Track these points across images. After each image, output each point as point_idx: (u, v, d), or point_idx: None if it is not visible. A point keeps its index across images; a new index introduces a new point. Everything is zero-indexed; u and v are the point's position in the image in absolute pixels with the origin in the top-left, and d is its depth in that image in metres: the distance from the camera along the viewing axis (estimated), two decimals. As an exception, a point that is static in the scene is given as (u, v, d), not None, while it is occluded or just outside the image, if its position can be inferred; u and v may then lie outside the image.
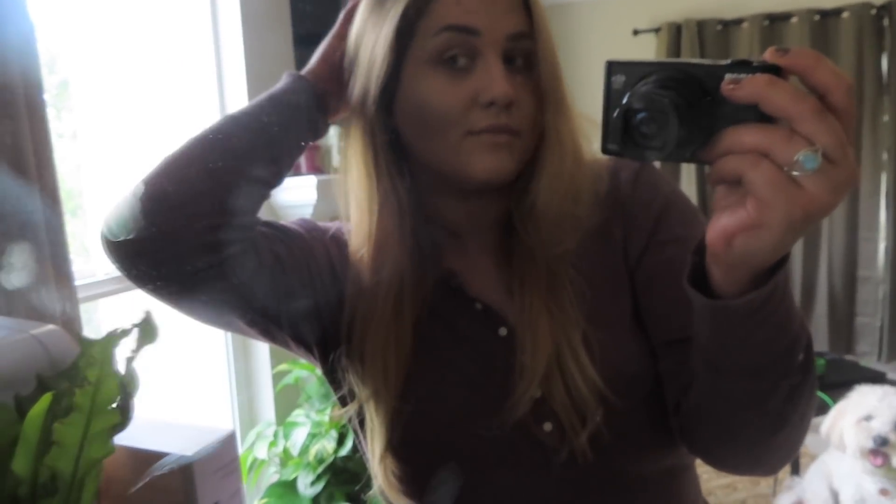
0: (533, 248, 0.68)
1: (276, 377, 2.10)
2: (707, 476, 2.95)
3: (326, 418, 1.92)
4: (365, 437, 0.73)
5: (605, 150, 0.49)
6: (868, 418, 1.56)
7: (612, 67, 0.49)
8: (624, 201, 0.71)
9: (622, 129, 0.47)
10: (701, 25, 4.05)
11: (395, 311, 0.68)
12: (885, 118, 3.76)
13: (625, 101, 0.47)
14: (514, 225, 0.70)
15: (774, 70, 0.44)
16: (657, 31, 4.12)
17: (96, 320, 1.81)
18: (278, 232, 0.71)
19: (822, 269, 3.93)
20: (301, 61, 2.39)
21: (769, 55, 0.44)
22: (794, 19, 3.86)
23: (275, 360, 2.16)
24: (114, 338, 0.56)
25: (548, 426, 0.66)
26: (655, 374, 0.68)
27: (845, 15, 3.77)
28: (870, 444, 1.54)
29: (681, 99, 0.45)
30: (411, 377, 0.68)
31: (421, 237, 0.70)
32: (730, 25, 4.02)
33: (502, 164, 0.65)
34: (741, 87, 0.43)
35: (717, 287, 0.50)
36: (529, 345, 0.66)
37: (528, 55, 0.66)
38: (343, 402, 0.76)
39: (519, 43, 0.65)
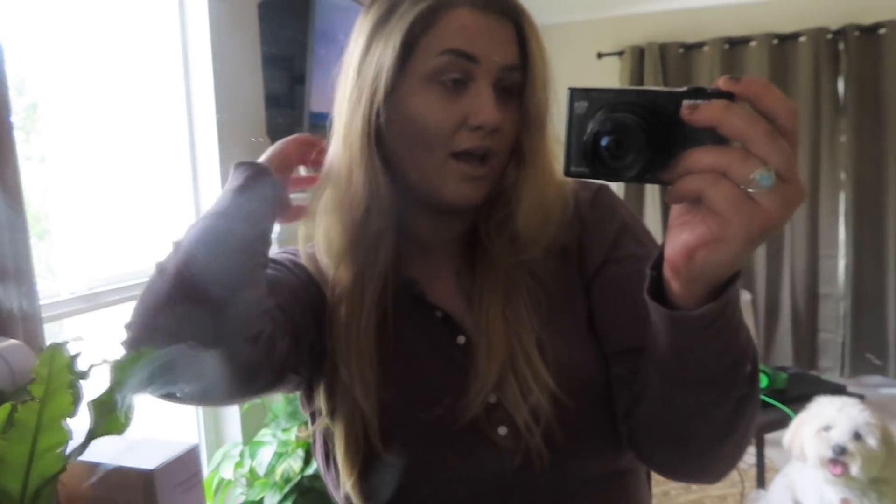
0: (495, 259, 0.72)
1: (244, 397, 2.09)
2: (675, 493, 2.97)
3: (293, 437, 1.91)
4: (332, 446, 0.73)
5: (567, 173, 0.51)
6: (827, 428, 1.60)
7: (575, 94, 0.51)
8: (582, 219, 0.76)
9: (591, 152, 0.49)
10: (663, 49, 4.15)
11: (364, 316, 0.70)
12: (843, 139, 3.88)
13: (591, 125, 0.49)
14: (479, 238, 0.73)
15: (728, 96, 0.46)
16: (621, 54, 4.22)
17: (61, 340, 1.78)
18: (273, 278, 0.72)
19: (785, 287, 4.01)
20: (270, 82, 2.41)
21: (723, 83, 0.46)
22: (754, 43, 3.97)
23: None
24: (58, 352, 0.54)
25: (503, 430, 0.68)
26: (606, 379, 0.71)
27: (802, 39, 3.89)
28: (829, 454, 1.57)
29: (644, 123, 0.48)
30: (378, 381, 0.70)
31: (389, 245, 0.73)
32: (691, 49, 4.13)
33: (474, 194, 0.69)
34: (699, 112, 0.46)
35: (675, 299, 0.52)
36: (485, 351, 0.68)
37: (515, 85, 0.70)
38: (314, 418, 0.76)
39: (509, 74, 0.69)
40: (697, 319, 0.52)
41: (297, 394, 0.80)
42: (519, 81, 0.70)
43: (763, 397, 2.13)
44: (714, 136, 0.47)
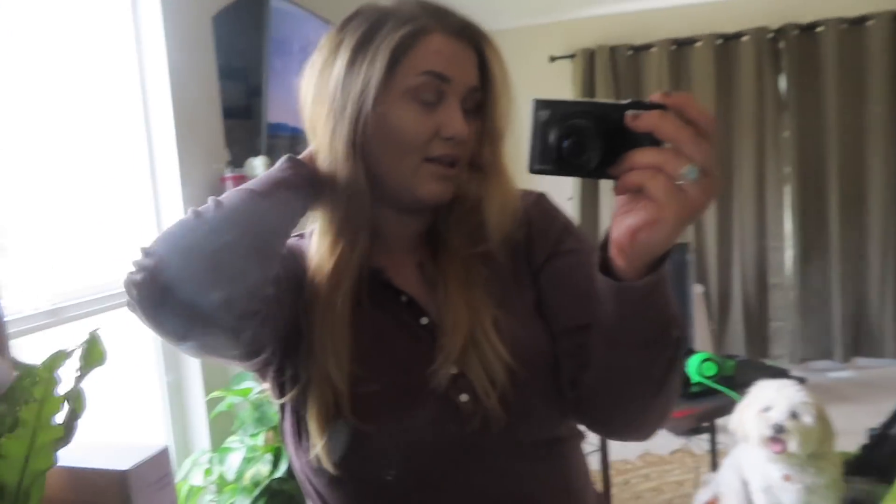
0: (455, 251, 0.84)
1: (210, 404, 2.12)
2: (636, 480, 3.08)
3: (261, 442, 1.95)
4: (302, 418, 0.81)
5: (532, 170, 0.62)
6: (767, 409, 1.69)
7: (538, 104, 0.61)
8: (529, 220, 0.88)
9: (554, 153, 0.60)
10: (613, 51, 4.27)
11: (340, 301, 0.79)
12: (786, 134, 4.04)
13: (553, 130, 0.60)
14: (438, 233, 0.85)
15: (661, 107, 0.57)
16: (572, 57, 4.33)
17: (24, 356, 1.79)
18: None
19: (735, 279, 4.16)
20: (227, 94, 2.44)
21: (657, 97, 0.58)
22: (699, 44, 4.12)
23: (208, 388, 2.18)
24: (58, 358, 0.60)
25: (464, 397, 0.77)
26: (553, 354, 0.82)
27: (745, 39, 4.05)
28: (769, 433, 1.66)
29: (596, 128, 0.59)
30: (350, 357, 0.79)
31: (365, 240, 0.83)
32: (640, 51, 4.25)
33: (444, 192, 0.81)
34: (640, 120, 0.57)
35: (621, 274, 0.64)
36: (448, 330, 0.79)
37: (477, 102, 0.81)
38: (283, 388, 0.83)
39: (473, 94, 0.81)
40: (640, 289, 0.64)
41: (265, 388, 0.86)
42: (480, 100, 0.82)
43: (712, 384, 2.23)
44: (651, 140, 0.58)
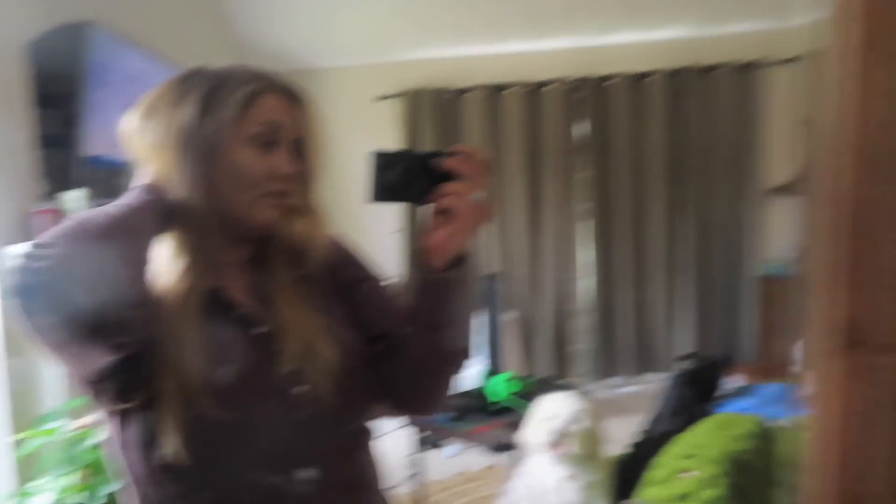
0: (282, 271, 1.01)
1: (16, 446, 2.04)
2: (451, 498, 3.27)
3: (73, 481, 1.91)
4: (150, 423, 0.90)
5: (373, 201, 0.91)
6: (549, 419, 1.96)
7: (377, 154, 0.91)
8: (337, 250, 1.08)
9: (391, 187, 0.90)
10: (436, 93, 4.57)
11: (188, 318, 0.91)
12: (586, 174, 4.52)
13: (388, 171, 0.90)
14: (267, 256, 1.02)
15: (459, 154, 0.90)
16: (398, 97, 4.58)
17: None
18: None
19: (543, 306, 4.57)
20: (45, 123, 2.37)
21: (455, 148, 0.91)
22: (511, 90, 4.52)
23: (17, 428, 2.10)
24: None
25: (300, 390, 0.95)
26: (365, 356, 1.02)
27: (550, 87, 4.50)
28: (551, 438, 1.92)
29: (421, 169, 0.90)
30: (204, 365, 0.91)
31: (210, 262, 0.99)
32: (461, 94, 4.59)
33: (277, 220, 0.97)
34: (448, 163, 0.90)
35: (434, 272, 0.94)
36: (285, 336, 0.96)
37: (301, 147, 0.99)
38: (125, 397, 0.91)
39: (300, 142, 0.99)
40: (451, 279, 0.95)
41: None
42: (304, 147, 1.00)
43: (511, 402, 2.49)
44: (456, 176, 0.90)
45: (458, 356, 1.03)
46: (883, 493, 0.74)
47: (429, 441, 2.96)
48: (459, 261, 0.94)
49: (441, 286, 0.95)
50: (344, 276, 1.07)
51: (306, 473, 0.95)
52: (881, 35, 0.70)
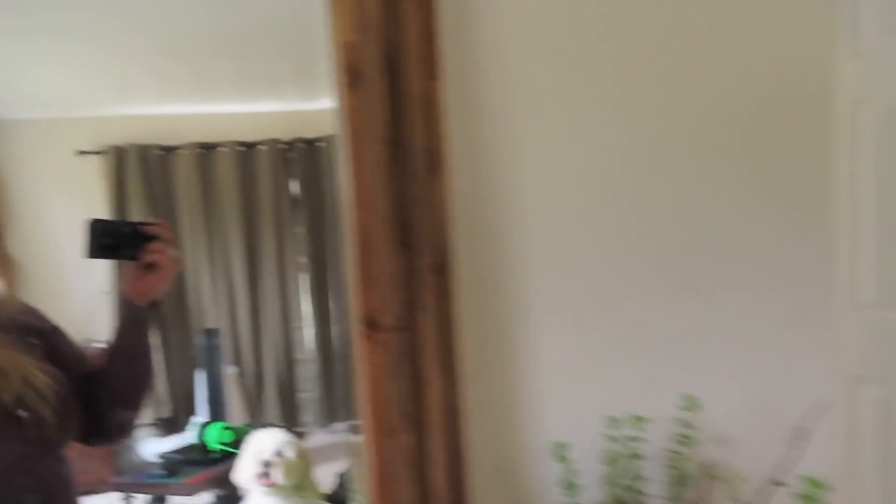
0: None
1: None
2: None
3: None
4: None
5: (90, 257, 1.13)
6: (256, 452, 2.07)
7: (92, 221, 1.13)
8: (29, 310, 1.18)
9: (106, 247, 1.13)
10: (144, 150, 4.49)
11: None
12: (300, 229, 4.71)
13: (103, 235, 1.13)
14: None
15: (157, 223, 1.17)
16: (101, 153, 4.41)
17: None
18: None
19: (267, 358, 4.63)
20: None
21: (154, 220, 1.17)
22: (223, 149, 4.59)
23: None
24: None
25: (23, 413, 1.05)
26: (70, 391, 1.14)
27: (262, 147, 4.65)
28: (259, 469, 2.03)
29: (131, 232, 1.14)
30: None
31: None
32: (170, 151, 4.55)
33: None
34: (152, 228, 1.15)
35: (136, 310, 1.17)
36: (3, 374, 1.05)
37: None
38: None
39: None
40: (148, 314, 1.18)
41: None
42: None
43: (224, 448, 2.56)
44: (157, 238, 1.15)
45: (149, 383, 1.25)
46: (399, 422, 1.29)
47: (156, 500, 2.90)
48: (155, 304, 1.19)
49: (144, 322, 1.19)
50: (41, 330, 1.17)
51: (31, 496, 1.05)
52: (365, 123, 1.27)
